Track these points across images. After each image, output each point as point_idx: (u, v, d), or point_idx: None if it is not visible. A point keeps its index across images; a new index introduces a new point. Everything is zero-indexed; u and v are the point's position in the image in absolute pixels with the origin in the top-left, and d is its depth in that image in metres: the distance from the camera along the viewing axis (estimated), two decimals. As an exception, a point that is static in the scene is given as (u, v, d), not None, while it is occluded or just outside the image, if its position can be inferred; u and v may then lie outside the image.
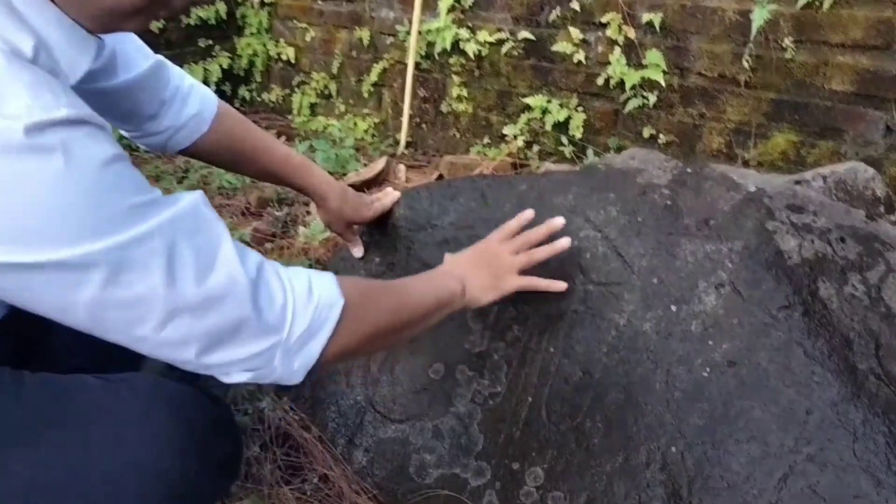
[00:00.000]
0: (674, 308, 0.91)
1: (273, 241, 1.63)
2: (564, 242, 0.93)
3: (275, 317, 0.62)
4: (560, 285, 0.95)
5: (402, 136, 2.54)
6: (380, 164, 2.19)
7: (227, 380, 0.64)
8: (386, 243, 1.23)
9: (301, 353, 0.65)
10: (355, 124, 2.84)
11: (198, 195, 0.60)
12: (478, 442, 0.96)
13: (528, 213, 0.97)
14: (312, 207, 1.94)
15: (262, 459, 0.98)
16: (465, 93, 2.37)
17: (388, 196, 1.26)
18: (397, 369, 1.10)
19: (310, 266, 1.48)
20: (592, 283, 0.99)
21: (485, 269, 0.90)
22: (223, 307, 0.58)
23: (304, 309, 0.64)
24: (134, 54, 0.84)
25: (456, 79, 2.38)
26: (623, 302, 0.95)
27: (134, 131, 0.92)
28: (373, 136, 2.81)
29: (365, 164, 2.35)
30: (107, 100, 0.81)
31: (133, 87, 0.84)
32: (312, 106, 3.08)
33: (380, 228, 1.25)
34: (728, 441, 0.79)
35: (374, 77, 2.71)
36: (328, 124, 2.91)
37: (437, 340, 1.08)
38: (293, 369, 0.66)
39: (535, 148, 2.19)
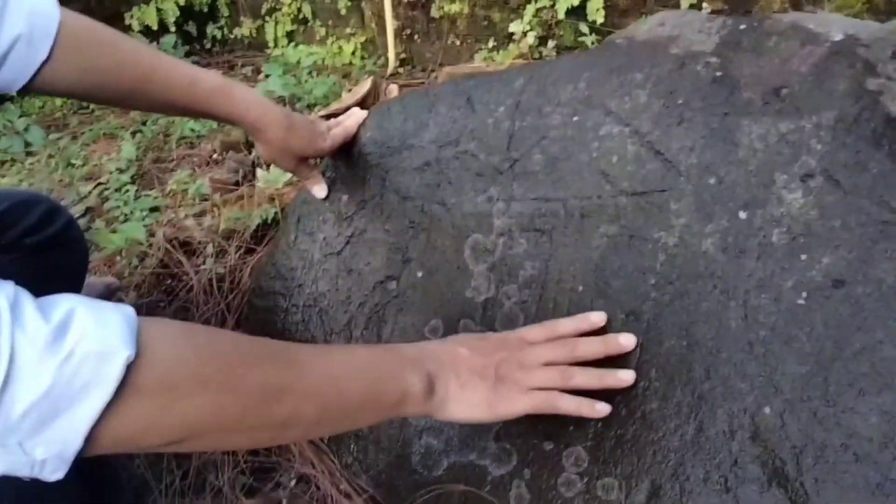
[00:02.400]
0: (743, 215, 0.65)
1: (234, 191, 1.37)
2: (628, 376, 0.62)
3: None
4: (604, 408, 0.62)
5: (391, 52, 2.21)
6: (364, 86, 1.87)
7: None
8: (354, 176, 0.97)
9: (45, 432, 0.39)
10: (340, 48, 2.49)
11: None
12: (495, 418, 0.73)
13: (598, 317, 0.65)
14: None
15: (220, 464, 0.76)
16: (456, -11, 2.02)
17: (350, 118, 0.99)
18: (384, 331, 0.87)
19: (276, 214, 1.23)
20: (625, 195, 0.73)
21: (481, 383, 0.59)
22: None
23: (39, 362, 0.38)
24: None
25: (443, -26, 2.02)
26: (670, 215, 0.69)
27: None
28: (361, 57, 2.47)
29: (349, 91, 2.04)
30: None
31: None
32: (289, 34, 2.72)
33: (345, 159, 0.99)
34: (847, 393, 0.55)
35: (346, -11, 2.34)
36: (311, 52, 2.57)
37: (430, 290, 0.84)
38: (34, 460, 0.40)
39: (551, 44, 1.86)
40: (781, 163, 0.64)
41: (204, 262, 1.09)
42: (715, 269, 0.64)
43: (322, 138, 0.90)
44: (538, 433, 0.69)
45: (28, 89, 0.67)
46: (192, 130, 1.99)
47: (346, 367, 0.53)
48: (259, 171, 1.36)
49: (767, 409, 0.57)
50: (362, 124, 0.98)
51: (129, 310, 0.44)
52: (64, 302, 0.42)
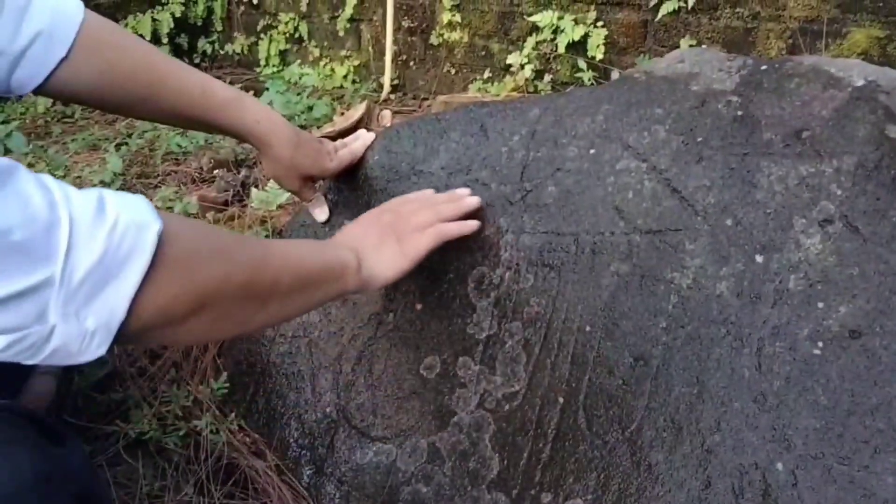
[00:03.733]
0: (760, 259, 0.69)
1: (224, 210, 1.43)
2: (474, 199, 0.86)
3: (33, 236, 0.44)
4: (472, 224, 0.84)
5: (386, 77, 2.31)
6: (359, 110, 1.96)
7: None
8: (358, 201, 1.02)
9: (96, 301, 0.47)
10: (332, 70, 2.61)
11: None
12: (491, 464, 0.76)
13: (462, 191, 0.88)
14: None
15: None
16: (458, 18, 2.13)
17: (357, 140, 1.05)
18: (377, 368, 0.90)
19: (267, 237, 1.28)
20: (639, 232, 0.77)
21: (386, 239, 0.77)
22: None
23: (91, 230, 0.46)
24: None
25: (446, 2, 2.13)
26: (685, 255, 0.73)
27: None
28: (353, 81, 2.58)
29: (342, 114, 2.13)
30: None
31: None
32: (282, 53, 2.86)
33: (349, 182, 1.04)
34: (863, 451, 0.58)
35: (349, 11, 2.47)
36: (302, 73, 2.69)
37: (428, 325, 0.88)
38: (85, 330, 0.47)
39: (547, 78, 1.95)
40: (800, 206, 0.69)
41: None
42: (729, 314, 0.68)
43: (328, 158, 0.96)
44: (535, 484, 0.72)
45: (42, 90, 0.73)
46: (179, 146, 2.07)
47: (299, 248, 0.71)
48: (254, 191, 1.41)
49: (779, 465, 0.60)
50: (369, 147, 1.04)
51: (140, 196, 0.53)
52: (89, 189, 0.50)
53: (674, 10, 1.59)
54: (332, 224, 1.03)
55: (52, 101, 2.87)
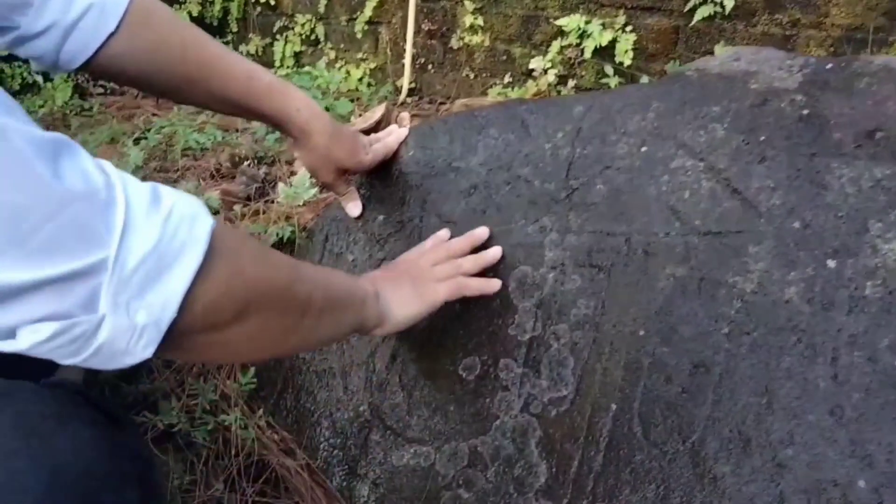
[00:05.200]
0: (832, 264, 0.64)
1: (247, 205, 1.37)
2: (495, 252, 0.81)
3: (92, 213, 0.40)
4: (495, 284, 0.80)
5: (405, 79, 2.26)
6: (378, 111, 1.91)
7: (11, 345, 0.39)
8: (392, 196, 0.97)
9: (149, 293, 0.42)
10: (348, 73, 2.56)
11: None
12: (538, 471, 0.70)
13: (444, 233, 0.85)
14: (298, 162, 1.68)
15: (228, 503, 0.73)
16: (480, 21, 2.08)
17: (391, 135, 1.00)
18: (412, 367, 0.85)
19: (293, 233, 1.22)
20: (696, 234, 0.72)
21: (403, 282, 0.75)
22: None
23: (148, 216, 0.42)
24: None
25: (469, 4, 2.08)
26: (748, 258, 0.68)
27: (4, 33, 0.66)
28: (368, 84, 2.53)
29: (360, 116, 2.08)
30: None
31: None
32: (297, 55, 2.82)
33: (382, 178, 0.99)
34: (955, 471, 0.53)
35: (368, 13, 2.42)
36: (316, 75, 2.65)
37: (466, 324, 0.83)
38: (135, 325, 0.42)
39: (571, 83, 1.90)
40: (876, 210, 0.64)
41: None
42: (799, 322, 0.63)
43: (364, 151, 0.91)
44: (587, 494, 0.67)
45: (89, 65, 0.68)
46: (197, 142, 2.02)
47: (325, 269, 0.68)
48: (280, 186, 1.36)
49: (861, 483, 0.55)
50: (402, 143, 0.99)
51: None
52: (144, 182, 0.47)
53: (709, 16, 1.54)
54: (365, 219, 0.98)
55: (69, 94, 2.82)
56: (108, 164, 0.44)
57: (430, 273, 0.77)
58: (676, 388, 0.66)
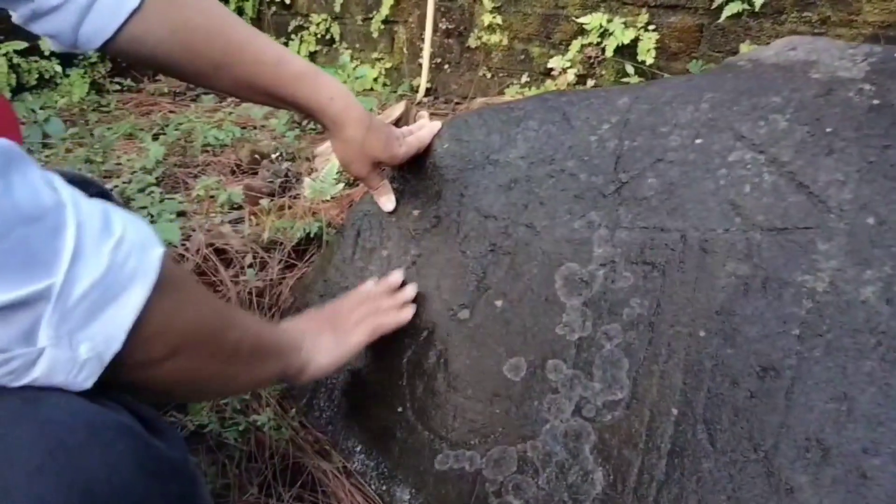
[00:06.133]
0: (912, 262, 0.59)
1: (271, 200, 1.33)
2: (411, 289, 0.85)
3: (38, 237, 0.36)
4: (407, 313, 0.83)
5: (423, 78, 2.21)
6: (398, 108, 1.88)
7: None
8: (427, 190, 0.92)
9: (93, 324, 0.39)
10: (363, 73, 2.52)
11: None
12: (594, 479, 0.66)
13: (396, 277, 0.87)
14: (322, 149, 1.63)
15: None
16: (498, 20, 2.03)
17: (424, 128, 0.96)
18: (453, 367, 0.80)
19: (320, 229, 1.18)
20: (759, 230, 0.67)
21: (324, 330, 0.76)
22: None
23: (98, 243, 0.39)
24: None
25: (487, 3, 2.03)
26: (818, 256, 0.63)
27: (18, 6, 0.61)
28: (384, 84, 2.49)
29: (379, 114, 2.04)
30: None
31: None
32: (312, 55, 2.78)
33: (415, 171, 0.94)
34: None
35: (385, 12, 2.38)
36: (332, 74, 2.61)
37: (511, 323, 0.78)
38: (76, 358, 0.38)
39: (590, 83, 1.85)
40: (960, 205, 0.59)
41: (243, 273, 1.04)
42: (878, 323, 0.58)
43: (398, 144, 0.86)
44: None
45: (110, 46, 0.63)
46: (216, 139, 1.98)
47: (255, 319, 0.65)
48: (307, 180, 1.31)
49: (958, 497, 0.50)
50: (436, 136, 0.94)
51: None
52: (92, 199, 0.43)
53: (737, 13, 1.49)
54: (399, 214, 0.94)
55: (86, 91, 2.78)
56: (58, 180, 0.40)
57: (347, 319, 0.79)
58: (744, 393, 0.61)
